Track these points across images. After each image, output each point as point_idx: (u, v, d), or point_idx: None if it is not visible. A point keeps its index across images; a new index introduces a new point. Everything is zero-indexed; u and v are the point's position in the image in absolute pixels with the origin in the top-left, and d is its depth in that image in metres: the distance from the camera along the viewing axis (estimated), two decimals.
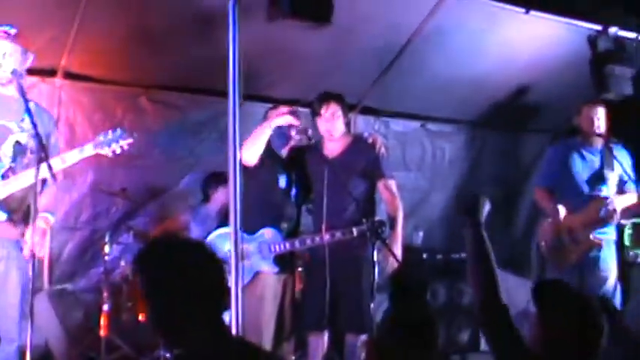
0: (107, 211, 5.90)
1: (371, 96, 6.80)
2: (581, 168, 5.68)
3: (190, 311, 2.27)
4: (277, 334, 4.92)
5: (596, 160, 5.69)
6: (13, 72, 4.10)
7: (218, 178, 5.98)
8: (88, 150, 4.19)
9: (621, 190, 5.68)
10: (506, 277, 6.01)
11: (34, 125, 3.92)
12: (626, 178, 5.69)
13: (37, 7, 4.95)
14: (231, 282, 3.53)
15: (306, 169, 5.10)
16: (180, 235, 5.35)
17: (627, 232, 5.84)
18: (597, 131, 5.65)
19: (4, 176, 4.12)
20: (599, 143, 5.71)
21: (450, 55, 6.29)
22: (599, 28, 5.96)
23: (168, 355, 4.90)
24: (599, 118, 5.64)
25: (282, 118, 4.90)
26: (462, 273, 5.70)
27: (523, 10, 5.83)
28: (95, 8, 5.07)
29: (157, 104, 6.11)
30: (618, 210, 5.49)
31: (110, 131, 4.24)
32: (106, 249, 5.48)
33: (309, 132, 4.89)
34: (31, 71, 4.52)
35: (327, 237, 4.69)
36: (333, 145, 5.01)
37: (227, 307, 2.64)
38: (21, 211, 4.17)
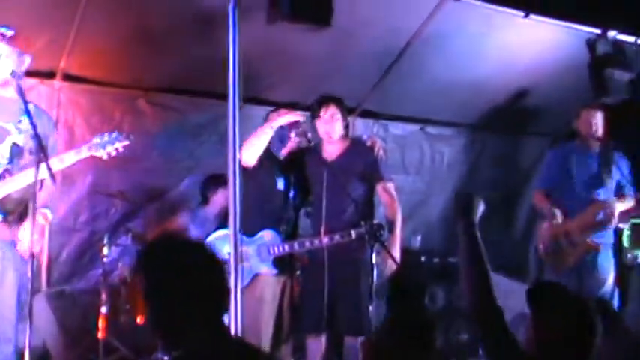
0: (106, 213, 5.90)
1: (370, 99, 6.81)
2: (580, 171, 5.69)
3: (190, 312, 2.27)
4: (276, 337, 4.92)
5: (594, 164, 5.70)
6: (12, 73, 4.11)
7: (217, 181, 5.98)
8: (84, 152, 4.19)
9: (619, 194, 5.69)
10: (504, 280, 6.04)
11: (34, 126, 3.92)
12: (623, 182, 5.70)
13: (36, 8, 4.96)
14: (231, 284, 3.53)
15: (304, 172, 5.10)
16: (181, 235, 5.34)
17: (626, 232, 5.85)
18: (596, 135, 5.66)
19: (1, 177, 4.13)
20: (597, 147, 5.72)
21: (449, 58, 6.29)
22: (598, 32, 5.97)
23: (166, 357, 4.90)
24: (598, 122, 5.66)
25: (283, 117, 4.91)
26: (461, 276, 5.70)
27: (522, 13, 5.84)
28: (94, 10, 5.07)
29: (156, 106, 6.11)
30: (616, 214, 5.51)
31: (106, 134, 4.24)
32: (105, 251, 5.48)
33: (309, 134, 4.89)
34: (30, 73, 4.52)
35: (325, 239, 4.70)
36: (332, 148, 5.02)
37: (227, 308, 2.63)
38: (17, 213, 4.17)
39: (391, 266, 4.72)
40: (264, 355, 2.67)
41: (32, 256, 3.86)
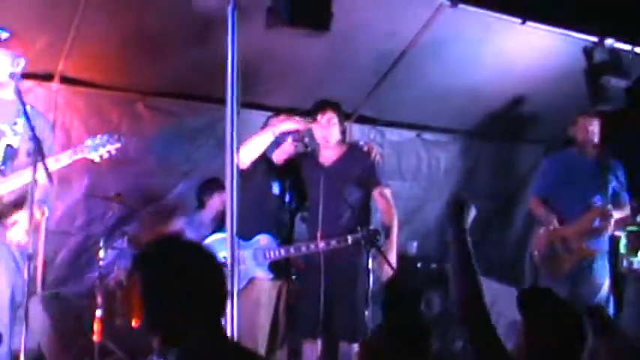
0: (102, 216, 5.88)
1: (367, 105, 6.82)
2: (576, 178, 5.70)
3: (189, 313, 2.27)
4: (271, 341, 4.92)
5: (590, 171, 5.72)
6: (11, 75, 4.11)
7: (213, 185, 5.98)
8: (76, 154, 4.17)
9: (615, 201, 5.71)
10: (499, 286, 6.04)
11: (32, 128, 3.92)
12: (619, 189, 5.72)
13: (34, 11, 4.95)
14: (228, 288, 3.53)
15: (300, 176, 5.11)
16: (180, 236, 5.33)
17: (622, 240, 5.86)
18: (592, 142, 5.68)
19: None
20: (593, 154, 5.74)
21: (446, 65, 6.30)
22: (595, 39, 5.98)
23: None
24: (595, 129, 5.68)
25: (287, 123, 4.91)
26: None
27: (519, 20, 5.85)
28: (92, 13, 5.07)
29: (154, 110, 6.11)
30: (612, 221, 5.52)
31: (99, 135, 4.23)
32: (101, 254, 5.46)
33: (306, 139, 4.90)
34: (27, 75, 4.54)
35: (322, 244, 4.70)
36: (329, 153, 5.03)
37: (225, 310, 2.64)
38: (10, 215, 4.17)
39: (387, 272, 4.72)
40: (261, 359, 2.67)
41: (28, 258, 3.86)
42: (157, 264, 2.34)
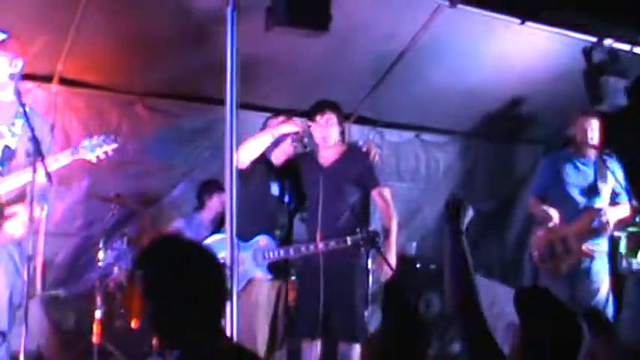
0: (101, 217, 5.88)
1: (366, 106, 6.82)
2: (575, 179, 5.70)
3: (188, 312, 2.27)
4: (270, 342, 4.91)
5: (589, 172, 5.71)
6: (11, 76, 4.11)
7: (213, 186, 6.00)
8: (71, 155, 4.16)
9: (614, 201, 5.70)
10: (497, 287, 6.03)
11: (32, 129, 3.92)
12: (619, 189, 5.71)
13: (33, 12, 4.96)
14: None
15: (299, 177, 5.10)
16: (181, 236, 5.34)
17: (622, 240, 5.85)
18: (591, 142, 5.68)
19: None
20: (592, 154, 5.73)
21: (445, 65, 6.31)
22: (594, 39, 5.98)
23: None
24: (593, 130, 5.67)
25: (287, 125, 4.92)
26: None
27: (518, 21, 5.85)
28: (92, 14, 5.08)
29: (153, 111, 6.12)
30: (612, 222, 5.52)
31: (95, 136, 4.22)
32: (100, 255, 5.47)
33: (305, 140, 4.90)
34: (27, 76, 4.53)
35: (321, 246, 4.69)
36: (328, 153, 5.02)
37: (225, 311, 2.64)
38: (8, 216, 4.16)
39: (387, 272, 4.72)
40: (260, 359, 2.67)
41: (28, 259, 3.85)
42: (158, 263, 2.34)
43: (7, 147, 4.18)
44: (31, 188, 3.86)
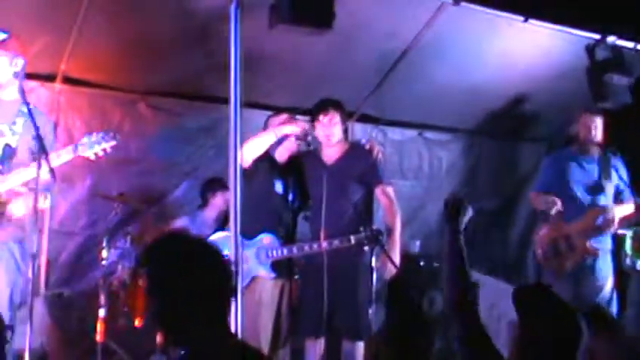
0: (105, 216, 5.89)
1: (369, 104, 6.82)
2: (579, 177, 5.69)
3: (193, 309, 2.27)
4: (274, 340, 4.91)
5: (593, 169, 5.70)
6: (15, 75, 4.12)
7: (216, 184, 6.00)
8: (71, 152, 4.16)
9: (618, 199, 5.70)
10: (500, 285, 6.02)
11: (37, 128, 3.92)
12: (623, 187, 5.71)
13: (36, 12, 4.96)
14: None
15: (302, 175, 5.10)
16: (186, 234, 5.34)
17: (628, 240, 5.83)
18: (595, 140, 5.67)
19: None
20: (596, 152, 5.73)
21: (448, 63, 6.30)
22: (597, 37, 5.97)
23: None
24: (597, 127, 5.66)
25: (289, 127, 4.92)
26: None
27: (522, 18, 5.83)
28: (95, 14, 5.08)
29: (156, 110, 6.13)
30: (616, 219, 5.51)
31: (94, 133, 4.21)
32: (104, 254, 5.47)
33: (309, 137, 4.90)
34: (30, 76, 4.53)
35: (324, 244, 4.69)
36: (331, 151, 5.02)
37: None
38: (8, 215, 4.16)
39: (390, 270, 4.72)
40: (265, 358, 2.66)
41: (32, 258, 3.85)
42: (162, 260, 2.33)
43: (7, 145, 4.18)
44: (36, 183, 3.86)
